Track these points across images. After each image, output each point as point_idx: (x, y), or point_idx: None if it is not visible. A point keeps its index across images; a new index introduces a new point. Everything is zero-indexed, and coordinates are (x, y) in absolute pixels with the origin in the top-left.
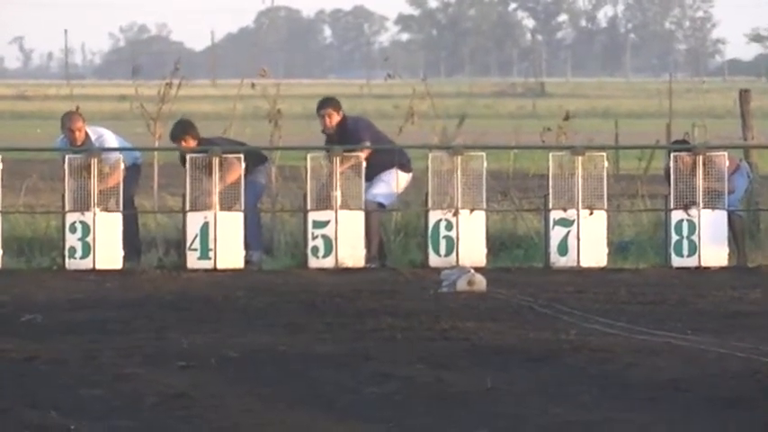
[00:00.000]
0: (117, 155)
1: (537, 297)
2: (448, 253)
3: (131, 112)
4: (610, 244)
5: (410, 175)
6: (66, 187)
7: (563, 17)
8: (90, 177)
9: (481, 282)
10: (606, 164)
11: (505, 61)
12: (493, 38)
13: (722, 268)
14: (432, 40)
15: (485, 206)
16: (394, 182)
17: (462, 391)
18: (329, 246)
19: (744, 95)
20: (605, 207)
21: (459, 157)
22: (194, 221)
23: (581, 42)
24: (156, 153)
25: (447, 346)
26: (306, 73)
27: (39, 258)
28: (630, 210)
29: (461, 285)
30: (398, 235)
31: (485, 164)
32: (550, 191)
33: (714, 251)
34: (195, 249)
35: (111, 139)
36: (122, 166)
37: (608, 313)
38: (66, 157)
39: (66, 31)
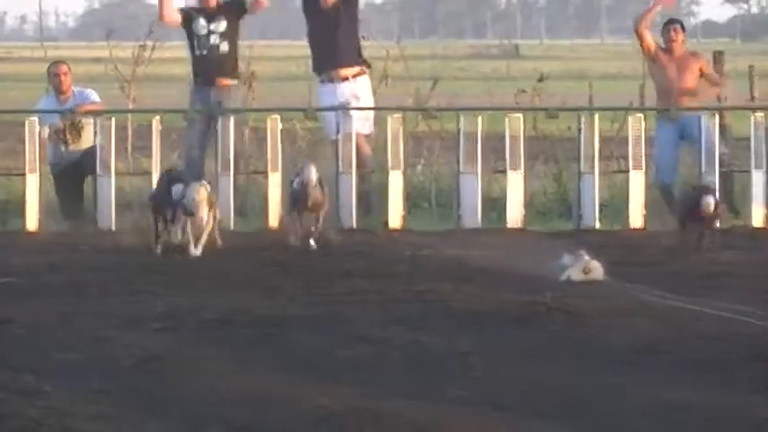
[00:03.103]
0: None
1: (513, 258)
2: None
3: (106, 75)
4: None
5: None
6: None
7: None
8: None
9: (597, 269)
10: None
11: (480, 23)
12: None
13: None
14: (406, 3)
15: (461, 168)
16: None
17: (438, 353)
18: None
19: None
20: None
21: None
22: None
23: (555, 4)
24: (129, 115)
25: (423, 309)
26: (281, 35)
27: (14, 221)
28: (604, 171)
29: (576, 275)
30: (375, 196)
31: (461, 126)
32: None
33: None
34: None
35: (94, 97)
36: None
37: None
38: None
39: None
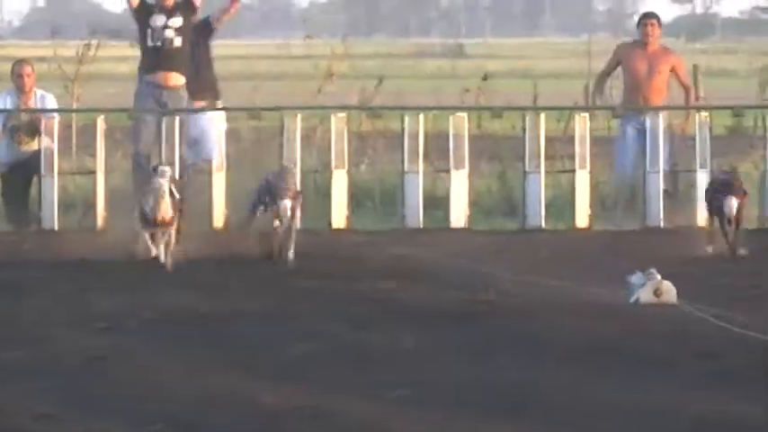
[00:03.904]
0: (55, 118)
1: (457, 257)
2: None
3: (50, 74)
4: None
5: None
6: None
7: None
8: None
9: (670, 291)
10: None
11: (425, 22)
12: None
13: (641, 229)
14: (351, 1)
15: (405, 167)
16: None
17: (383, 351)
18: None
19: None
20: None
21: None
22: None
23: (500, 3)
24: (74, 115)
25: (367, 307)
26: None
27: None
28: (549, 171)
29: (646, 296)
30: (318, 196)
31: (405, 125)
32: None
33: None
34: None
35: (52, 103)
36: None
37: (528, 274)
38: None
39: None
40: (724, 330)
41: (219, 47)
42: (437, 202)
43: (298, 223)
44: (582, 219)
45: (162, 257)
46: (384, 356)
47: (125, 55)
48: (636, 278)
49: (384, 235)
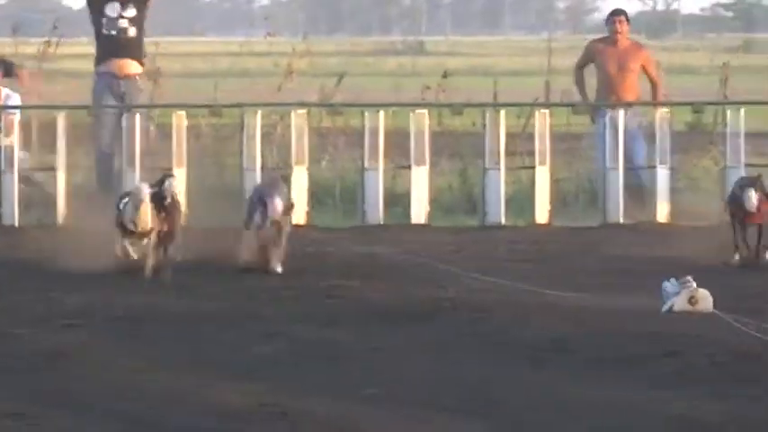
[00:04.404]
0: (15, 115)
1: (418, 254)
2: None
3: None
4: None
5: None
6: None
7: None
8: None
9: (706, 298)
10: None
11: (386, 19)
12: None
13: (601, 226)
14: None
15: (365, 164)
16: None
17: (347, 350)
18: None
19: None
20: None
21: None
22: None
23: (461, 1)
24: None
25: (332, 305)
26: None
27: None
28: (510, 167)
29: (681, 305)
30: None
31: (366, 121)
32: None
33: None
34: None
35: (16, 102)
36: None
37: (489, 271)
38: None
39: None
40: (684, 327)
41: (181, 44)
42: (397, 199)
43: (286, 234)
44: (542, 215)
45: (148, 263)
46: (350, 355)
47: (87, 52)
48: (670, 286)
49: (345, 232)
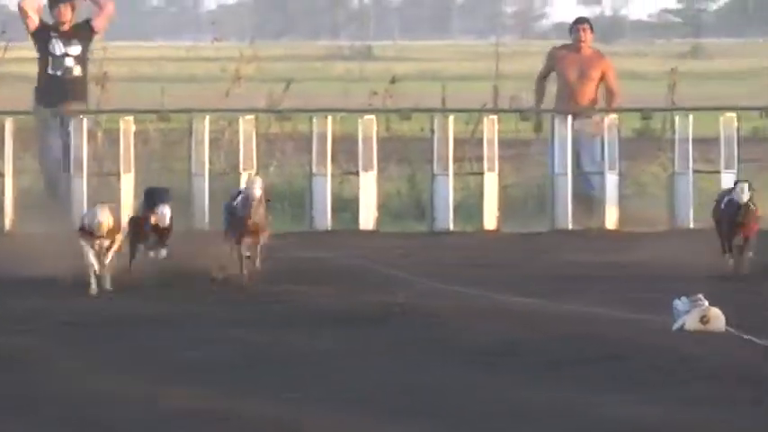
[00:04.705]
0: None
1: (367, 260)
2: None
3: None
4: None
5: None
6: None
7: None
8: None
9: (718, 317)
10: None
11: (333, 24)
12: (322, 1)
13: (549, 232)
14: (260, 3)
15: (313, 169)
16: None
17: (298, 353)
18: None
19: None
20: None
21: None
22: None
23: (409, 5)
24: None
25: (282, 309)
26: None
27: None
28: (458, 173)
29: (692, 323)
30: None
31: (314, 127)
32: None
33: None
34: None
35: None
36: None
37: (438, 277)
38: None
39: None
40: (631, 332)
41: (128, 49)
42: (346, 205)
43: (260, 249)
44: (490, 221)
45: (99, 272)
46: (296, 358)
47: (36, 57)
48: (681, 304)
49: (293, 237)
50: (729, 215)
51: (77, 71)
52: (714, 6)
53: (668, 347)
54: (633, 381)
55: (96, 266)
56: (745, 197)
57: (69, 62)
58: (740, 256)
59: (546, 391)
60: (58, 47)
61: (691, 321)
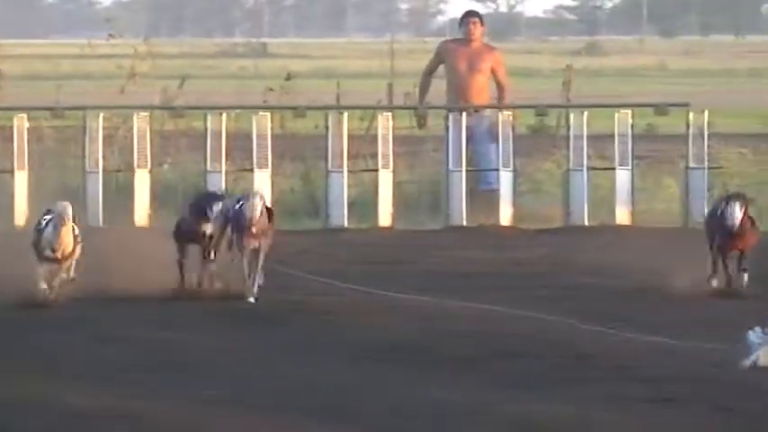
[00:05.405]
0: None
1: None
2: None
3: None
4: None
5: None
6: None
7: None
8: None
9: None
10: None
11: (229, 22)
12: None
13: (444, 229)
14: (154, 1)
15: (208, 166)
16: None
17: (194, 352)
18: None
19: None
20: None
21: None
22: None
23: (303, 3)
24: None
25: (175, 309)
26: (28, 33)
27: None
28: (352, 170)
29: (766, 359)
30: (121, 195)
31: (208, 124)
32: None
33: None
34: None
35: None
36: None
37: (333, 274)
38: None
39: None
40: (528, 329)
41: (22, 46)
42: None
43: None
44: (385, 218)
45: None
46: (195, 357)
47: None
48: (754, 335)
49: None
50: (723, 230)
51: None
52: (609, 4)
53: (565, 345)
54: (530, 378)
55: (43, 287)
56: (738, 218)
57: None
58: (738, 273)
59: (442, 389)
60: None
61: (765, 356)
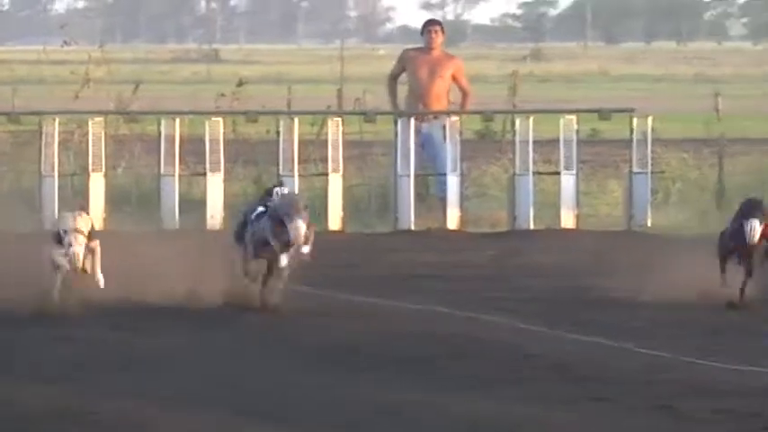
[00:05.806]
0: None
1: (213, 258)
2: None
3: None
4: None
5: None
6: None
7: None
8: None
9: None
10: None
11: (181, 28)
12: (170, 5)
13: (392, 232)
14: (109, 7)
15: (161, 170)
16: None
17: (143, 353)
18: None
19: None
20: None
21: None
22: None
23: (256, 9)
24: None
25: (127, 308)
26: None
27: None
28: (303, 174)
29: None
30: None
31: (162, 128)
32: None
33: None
34: None
35: None
36: None
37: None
38: None
39: None
40: (476, 331)
41: None
42: (193, 206)
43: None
44: (335, 221)
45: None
46: (145, 358)
47: None
48: None
49: (141, 237)
50: (738, 239)
51: None
52: (554, 12)
53: (512, 346)
54: (477, 378)
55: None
56: (756, 236)
57: None
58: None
59: (390, 389)
60: None
61: None
